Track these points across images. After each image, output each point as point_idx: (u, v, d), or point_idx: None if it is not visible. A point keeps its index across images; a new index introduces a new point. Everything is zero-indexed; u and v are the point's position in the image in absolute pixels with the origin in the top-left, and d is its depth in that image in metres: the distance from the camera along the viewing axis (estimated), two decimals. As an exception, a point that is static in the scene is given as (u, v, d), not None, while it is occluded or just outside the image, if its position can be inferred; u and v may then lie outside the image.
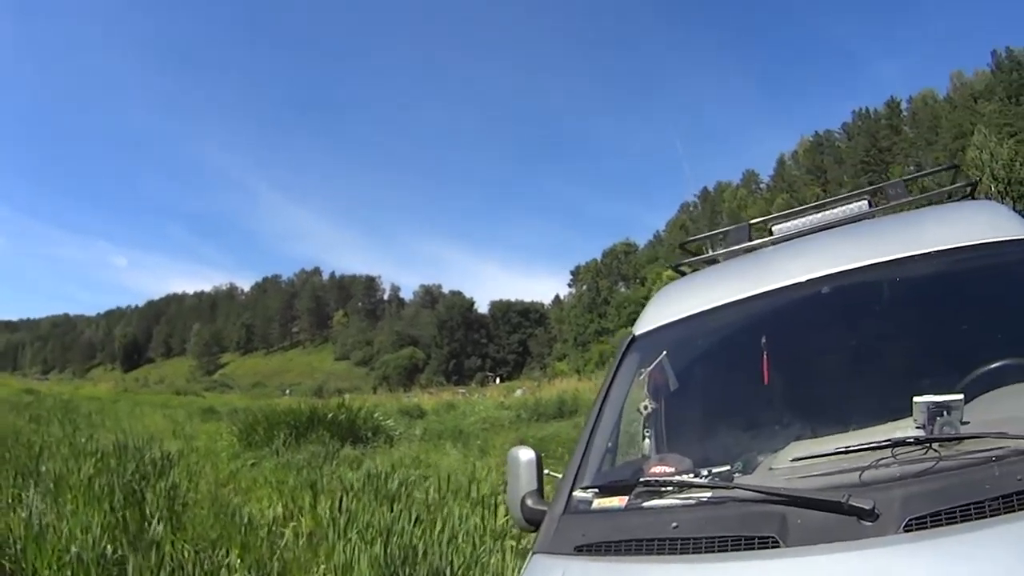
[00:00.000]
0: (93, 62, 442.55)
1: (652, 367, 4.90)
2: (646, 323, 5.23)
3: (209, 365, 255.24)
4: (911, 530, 3.01)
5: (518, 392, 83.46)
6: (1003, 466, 3.12)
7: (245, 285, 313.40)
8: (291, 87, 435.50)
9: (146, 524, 11.52)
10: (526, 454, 4.63)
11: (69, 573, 9.08)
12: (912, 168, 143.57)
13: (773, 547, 3.19)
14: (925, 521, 3.03)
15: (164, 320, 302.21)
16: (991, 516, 2.95)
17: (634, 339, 5.16)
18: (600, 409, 4.74)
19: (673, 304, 5.30)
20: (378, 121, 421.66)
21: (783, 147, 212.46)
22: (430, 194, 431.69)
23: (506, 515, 13.10)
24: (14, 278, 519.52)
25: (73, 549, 9.14)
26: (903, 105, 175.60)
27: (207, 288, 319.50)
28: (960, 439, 3.39)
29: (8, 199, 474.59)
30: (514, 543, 10.88)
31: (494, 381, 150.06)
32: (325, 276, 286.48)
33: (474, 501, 14.71)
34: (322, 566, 10.37)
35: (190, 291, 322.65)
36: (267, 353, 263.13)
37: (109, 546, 9.82)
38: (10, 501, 13.51)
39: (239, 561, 9.46)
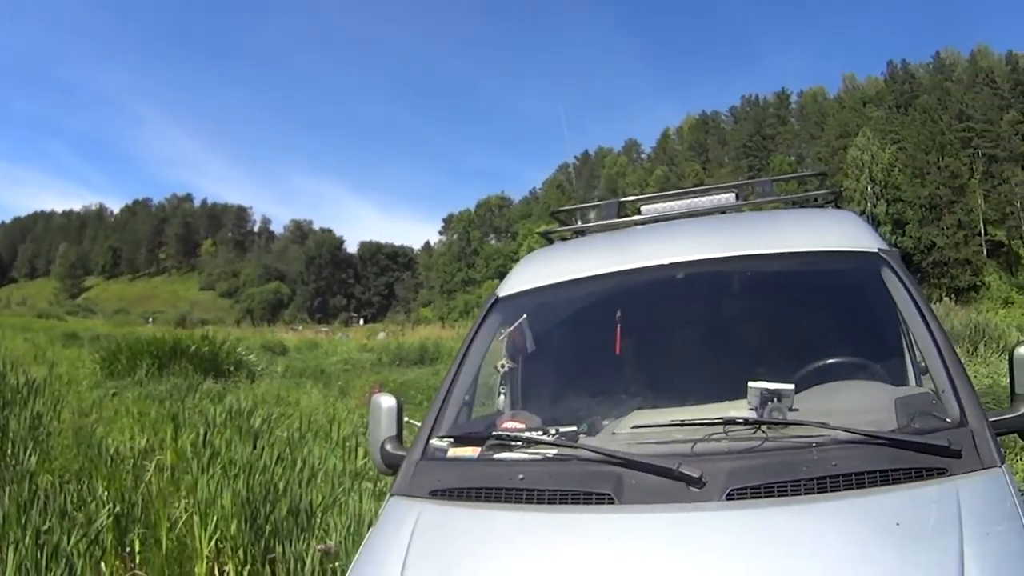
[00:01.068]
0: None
1: (512, 328, 5.17)
2: (510, 286, 5.45)
3: (73, 288, 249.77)
4: (732, 499, 3.35)
5: (380, 335, 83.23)
6: (821, 452, 3.48)
7: (115, 207, 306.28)
8: (184, 18, 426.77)
9: (11, 454, 11.55)
10: (388, 401, 4.86)
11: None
12: (793, 159, 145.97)
13: (608, 503, 3.50)
14: (746, 492, 3.37)
15: (30, 239, 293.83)
16: (805, 494, 3.31)
17: (497, 300, 5.39)
18: (460, 363, 4.96)
19: (538, 271, 5.55)
20: (266, 60, 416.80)
21: (669, 122, 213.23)
22: (311, 131, 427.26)
23: (365, 457, 13.32)
24: None
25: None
26: (792, 97, 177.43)
27: (77, 208, 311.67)
28: (786, 424, 3.75)
29: None
30: (370, 485, 11.05)
31: (358, 322, 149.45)
32: (197, 203, 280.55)
33: (334, 442, 14.93)
34: (183, 500, 10.52)
35: (59, 209, 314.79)
36: (132, 279, 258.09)
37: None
38: None
39: (105, 493, 9.55)
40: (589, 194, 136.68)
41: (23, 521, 8.04)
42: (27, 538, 7.58)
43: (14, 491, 9.02)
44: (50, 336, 55.33)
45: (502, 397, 5.33)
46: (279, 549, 8.96)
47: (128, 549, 8.96)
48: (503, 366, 5.25)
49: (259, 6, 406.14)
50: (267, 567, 9.12)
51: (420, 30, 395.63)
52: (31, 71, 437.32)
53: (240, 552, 9.03)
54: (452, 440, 4.43)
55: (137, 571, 8.75)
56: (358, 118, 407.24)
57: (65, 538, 7.79)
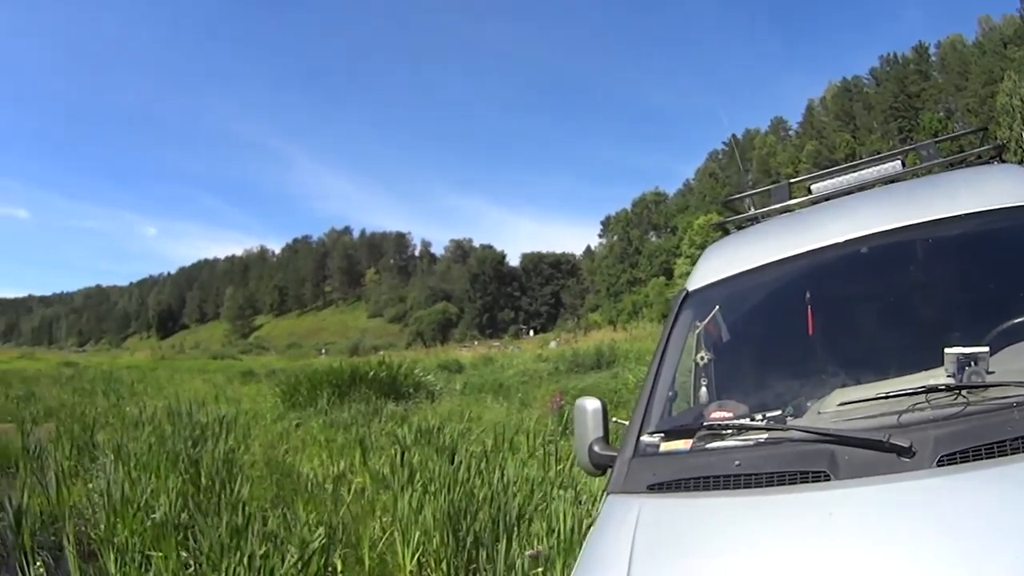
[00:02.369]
0: (110, 38, 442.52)
1: (706, 320, 5.20)
2: (698, 279, 5.49)
3: (243, 328, 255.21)
4: (943, 465, 3.39)
5: (552, 344, 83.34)
6: (1023, 411, 3.50)
7: (276, 247, 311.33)
8: (312, 54, 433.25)
9: (206, 486, 11.91)
10: (592, 403, 4.93)
11: (147, 538, 9.45)
12: (942, 114, 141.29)
13: (824, 480, 3.54)
14: (955, 457, 3.40)
15: (197, 286, 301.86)
16: (1012, 454, 3.31)
17: (688, 294, 5.44)
18: (660, 360, 5.01)
19: (723, 262, 5.56)
20: (398, 86, 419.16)
21: (811, 93, 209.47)
22: (458, 151, 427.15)
23: (559, 464, 13.46)
24: (44, 254, 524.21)
25: (156, 515, 9.48)
26: (931, 50, 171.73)
27: (238, 252, 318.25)
28: (986, 387, 3.75)
29: (31, 176, 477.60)
30: (564, 492, 11.12)
31: (528, 334, 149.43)
32: (355, 234, 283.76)
33: (525, 452, 15.10)
34: (381, 519, 10.75)
35: (221, 256, 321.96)
36: (300, 314, 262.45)
37: (183, 512, 10.19)
38: (78, 473, 13.93)
39: (307, 518, 9.78)
40: (742, 178, 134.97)
41: (238, 546, 8.33)
42: (242, 563, 7.84)
43: (226, 519, 9.32)
44: (227, 375, 56.60)
45: (703, 389, 5.36)
46: (482, 559, 9.09)
47: (330, 569, 9.18)
48: (702, 358, 5.29)
49: (384, 32, 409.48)
50: (470, 577, 9.28)
51: (545, 35, 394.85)
52: (177, 127, 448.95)
53: (443, 565, 9.18)
54: (663, 435, 4.47)
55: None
56: (500, 131, 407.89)
57: (279, 562, 8.03)
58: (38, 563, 8.90)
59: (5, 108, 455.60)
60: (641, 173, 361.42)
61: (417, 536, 9.40)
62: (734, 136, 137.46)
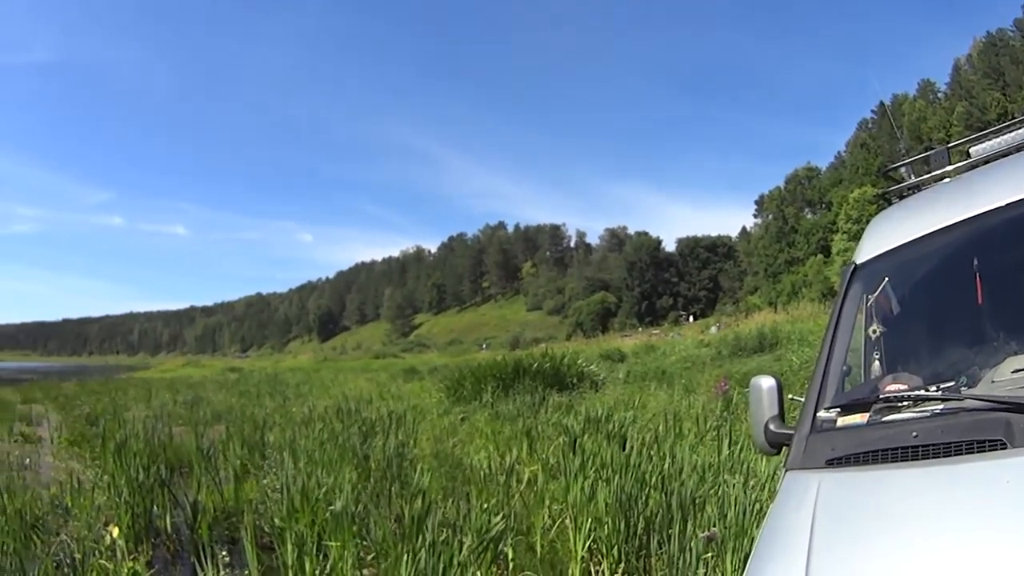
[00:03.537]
0: (258, 56, 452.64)
1: (876, 293, 5.11)
2: (865, 252, 5.41)
3: (404, 327, 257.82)
4: None
5: (713, 329, 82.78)
6: None
7: (432, 246, 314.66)
8: (461, 53, 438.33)
9: (384, 479, 12.12)
10: (767, 382, 4.90)
11: (323, 529, 9.65)
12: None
13: (1001, 448, 3.47)
14: None
15: (355, 288, 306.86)
16: None
17: (856, 267, 5.36)
18: (833, 336, 4.94)
19: (888, 233, 5.44)
20: (552, 76, 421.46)
21: (957, 51, 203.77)
22: (606, 138, 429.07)
23: (730, 448, 13.39)
24: (203, 266, 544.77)
25: (334, 506, 9.66)
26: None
27: (395, 253, 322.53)
28: None
29: (189, 195, 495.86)
30: (732, 477, 11.07)
31: (688, 319, 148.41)
32: (510, 229, 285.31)
33: (694, 437, 15.07)
34: (551, 507, 10.83)
35: (378, 258, 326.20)
36: (460, 311, 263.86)
37: (358, 503, 10.38)
38: (249, 471, 14.26)
39: (479, 507, 9.86)
40: (893, 146, 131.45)
41: (417, 532, 8.48)
42: (423, 549, 7.98)
43: (406, 508, 9.50)
44: (390, 373, 57.54)
45: (876, 363, 5.29)
46: (654, 543, 9.10)
47: (502, 556, 9.25)
48: (874, 331, 5.22)
49: (536, 30, 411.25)
50: (641, 562, 9.27)
51: (683, 17, 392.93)
52: (327, 136, 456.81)
53: (615, 550, 9.20)
54: (839, 409, 4.44)
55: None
56: (647, 115, 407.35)
57: (457, 549, 8.15)
58: (220, 555, 9.12)
59: (161, 134, 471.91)
60: (792, 149, 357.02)
61: (589, 523, 9.43)
62: (883, 103, 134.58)
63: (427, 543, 8.14)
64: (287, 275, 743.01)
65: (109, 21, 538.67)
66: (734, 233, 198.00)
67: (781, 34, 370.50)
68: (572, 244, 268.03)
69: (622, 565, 9.22)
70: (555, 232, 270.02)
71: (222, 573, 8.43)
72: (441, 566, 7.84)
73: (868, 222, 6.18)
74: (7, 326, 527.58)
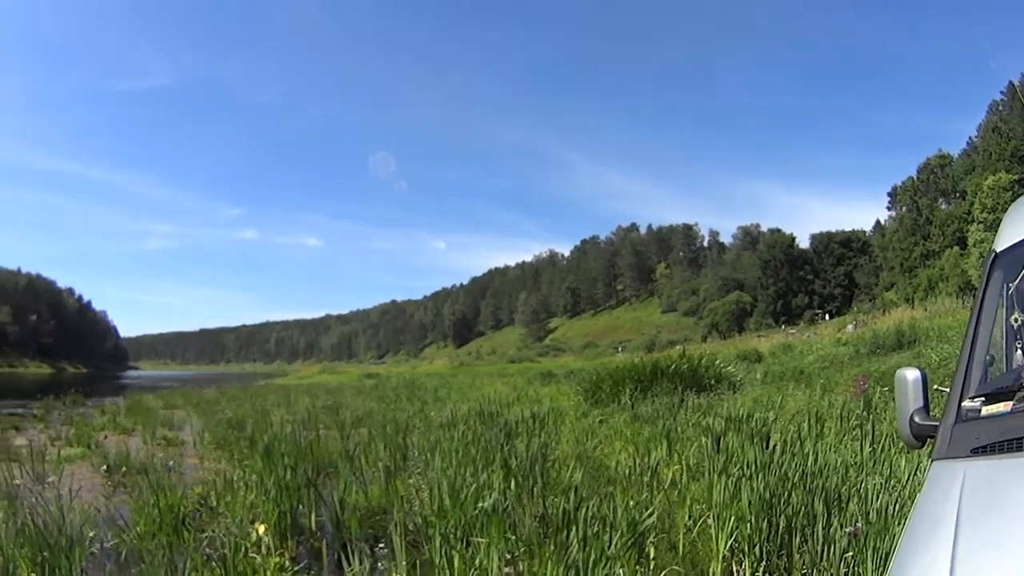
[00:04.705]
0: (375, 67, 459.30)
1: (1017, 281, 5.05)
2: (1005, 239, 5.25)
3: (538, 332, 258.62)
4: None
5: (849, 327, 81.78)
6: None
7: (564, 250, 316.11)
8: (588, 56, 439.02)
9: (527, 479, 12.23)
10: (912, 373, 4.86)
11: (470, 526, 9.77)
12: None
13: None
14: None
15: (490, 294, 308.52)
16: None
17: (996, 255, 5.21)
18: (976, 326, 4.86)
19: None
20: (665, 73, 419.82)
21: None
22: (734, 134, 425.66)
23: (871, 446, 13.28)
24: (338, 276, 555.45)
25: (484, 504, 9.81)
26: None
27: (528, 258, 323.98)
28: None
29: (320, 207, 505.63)
30: (871, 475, 10.99)
31: (824, 318, 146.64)
32: (643, 230, 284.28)
33: (835, 435, 14.96)
34: (692, 506, 10.86)
35: (511, 263, 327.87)
36: (594, 314, 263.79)
37: (504, 502, 10.49)
38: (391, 472, 14.45)
39: (622, 506, 9.88)
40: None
41: (566, 525, 8.65)
42: (576, 541, 8.10)
43: (557, 505, 9.74)
44: (526, 377, 57.92)
45: (1019, 351, 5.21)
46: (794, 543, 9.08)
47: (644, 554, 9.29)
48: (1016, 320, 5.15)
49: (665, 28, 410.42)
50: (782, 560, 9.25)
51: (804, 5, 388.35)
52: (454, 144, 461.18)
53: (756, 549, 9.19)
54: (983, 398, 4.40)
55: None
56: (781, 114, 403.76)
57: (606, 544, 8.24)
58: (365, 551, 9.28)
59: (283, 149, 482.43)
60: (921, 137, 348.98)
61: (732, 521, 9.42)
62: (1012, 84, 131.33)
63: (579, 536, 8.28)
64: (421, 283, 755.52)
65: (220, 42, 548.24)
66: (868, 227, 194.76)
67: (903, 22, 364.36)
68: (705, 244, 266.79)
69: (763, 564, 9.22)
70: (688, 232, 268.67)
71: (368, 569, 8.56)
72: (591, 560, 7.91)
73: (1005, 210, 6.07)
74: (146, 336, 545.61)
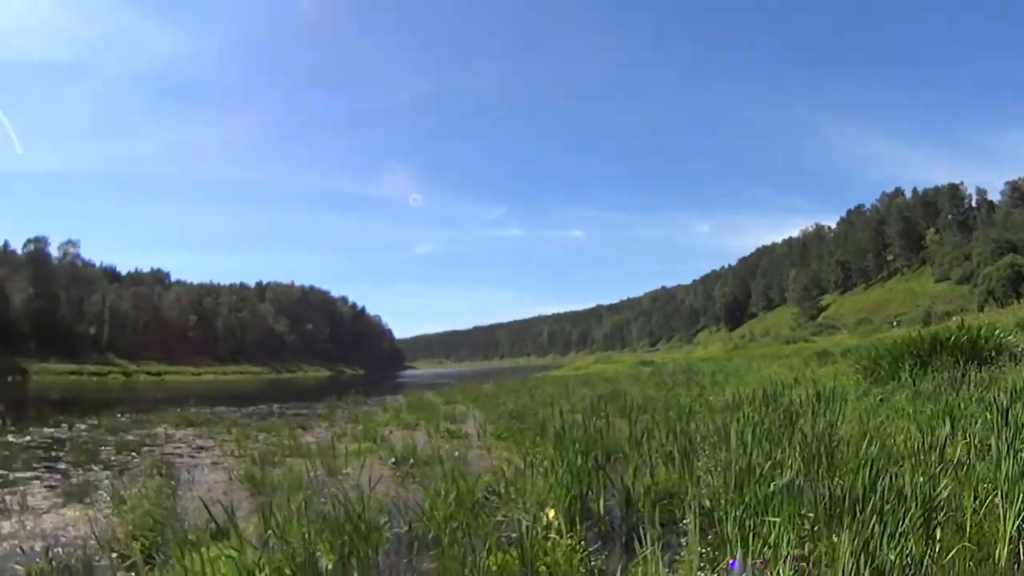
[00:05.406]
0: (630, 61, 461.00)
1: None
2: None
3: (811, 310, 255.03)
4: None
5: None
6: None
7: (830, 222, 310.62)
8: (832, 29, 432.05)
9: (816, 457, 12.27)
10: None
11: (765, 507, 9.90)
12: None
13: None
14: None
15: (759, 273, 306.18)
16: None
17: None
18: None
19: None
20: (914, 25, 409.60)
21: None
22: (987, 84, 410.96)
23: None
24: (605, 266, 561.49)
25: (778, 482, 10.06)
26: None
27: (795, 234, 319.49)
28: None
29: (582, 199, 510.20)
30: None
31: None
32: (908, 195, 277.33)
33: None
34: (977, 485, 10.66)
35: (778, 240, 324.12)
36: (866, 287, 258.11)
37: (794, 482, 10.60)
38: (674, 456, 14.63)
39: (916, 481, 9.80)
40: None
41: (863, 500, 8.98)
42: (875, 515, 8.19)
43: (852, 479, 10.01)
44: (802, 358, 57.28)
45: None
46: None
47: (929, 535, 9.22)
48: None
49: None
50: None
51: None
52: (717, 126, 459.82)
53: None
54: None
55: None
56: None
57: (901, 518, 8.45)
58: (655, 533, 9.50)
59: (538, 146, 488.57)
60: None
61: (1021, 501, 9.28)
62: None
63: (876, 510, 8.38)
64: (688, 267, 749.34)
65: (473, 47, 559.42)
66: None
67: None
68: (974, 203, 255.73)
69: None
70: (954, 192, 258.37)
71: (659, 551, 8.77)
72: (886, 534, 7.94)
73: None
74: (421, 337, 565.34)
